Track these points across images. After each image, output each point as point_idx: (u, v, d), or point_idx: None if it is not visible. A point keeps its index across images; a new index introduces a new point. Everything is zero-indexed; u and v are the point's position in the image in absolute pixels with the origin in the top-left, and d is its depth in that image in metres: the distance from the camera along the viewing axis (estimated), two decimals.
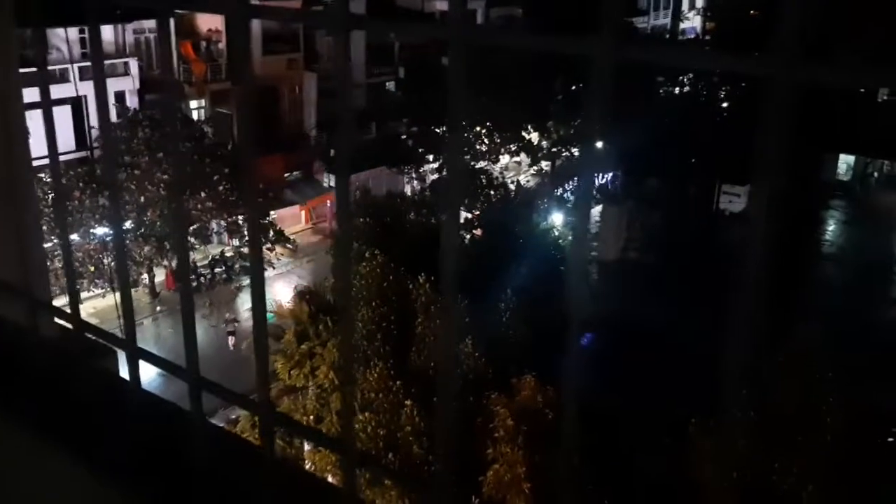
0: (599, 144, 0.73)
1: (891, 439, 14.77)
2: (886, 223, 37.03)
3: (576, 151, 34.65)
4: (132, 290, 1.30)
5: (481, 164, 32.24)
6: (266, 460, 0.96)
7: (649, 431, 14.06)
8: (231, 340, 23.88)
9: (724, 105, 40.03)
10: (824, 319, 21.46)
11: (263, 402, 0.99)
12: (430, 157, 32.66)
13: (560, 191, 34.69)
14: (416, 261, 16.62)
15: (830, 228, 37.98)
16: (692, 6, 55.84)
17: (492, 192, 29.65)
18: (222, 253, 28.42)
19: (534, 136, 34.88)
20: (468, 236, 26.45)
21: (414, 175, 33.08)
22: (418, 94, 31.42)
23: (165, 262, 26.10)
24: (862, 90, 39.16)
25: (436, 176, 31.93)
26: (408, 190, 31.68)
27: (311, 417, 16.41)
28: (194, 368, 1.08)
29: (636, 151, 32.11)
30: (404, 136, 34.51)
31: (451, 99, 0.77)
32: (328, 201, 31.75)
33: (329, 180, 33.20)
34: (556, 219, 31.06)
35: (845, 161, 42.33)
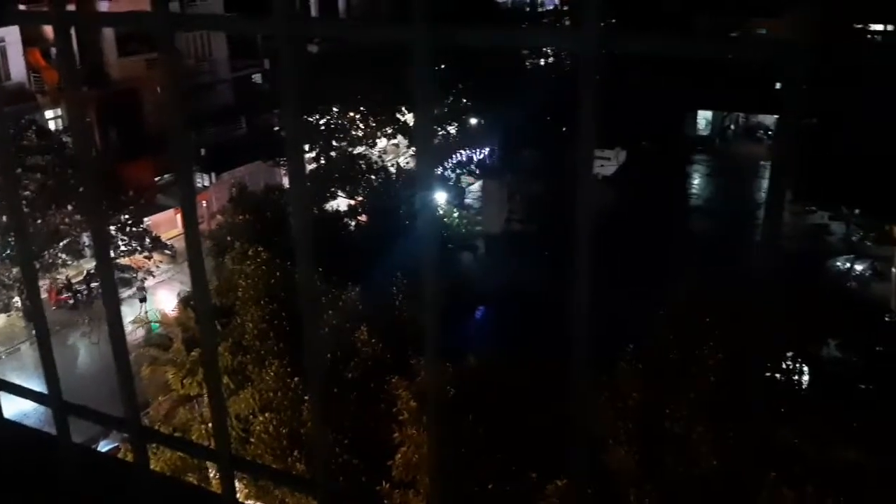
0: (429, 131, 0.75)
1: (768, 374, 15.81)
2: (745, 172, 39.25)
3: (452, 129, 34.94)
4: (4, 314, 1.24)
5: (359, 149, 32.02)
6: (138, 476, 0.94)
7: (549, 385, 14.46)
8: None
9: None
10: (700, 269, 22.60)
11: (131, 419, 0.97)
12: (306, 147, 32.14)
13: (440, 169, 34.91)
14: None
15: (696, 182, 39.95)
16: None
17: (373, 177, 29.52)
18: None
19: (409, 118, 34.90)
20: (353, 223, 26.29)
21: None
22: None
23: (41, 282, 24.73)
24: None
25: (314, 165, 31.50)
26: (286, 182, 31.12)
27: (210, 425, 16.00)
28: (56, 394, 1.04)
29: (510, 125, 32.71)
30: (277, 129, 33.85)
31: (284, 93, 0.77)
32: (203, 202, 30.82)
33: (203, 180, 32.21)
34: (440, 197, 31.28)
35: (704, 117, 44.50)
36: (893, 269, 25.49)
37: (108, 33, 29.61)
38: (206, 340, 0.96)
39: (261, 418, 14.88)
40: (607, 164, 38.54)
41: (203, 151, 31.89)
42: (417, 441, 13.33)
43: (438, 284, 0.77)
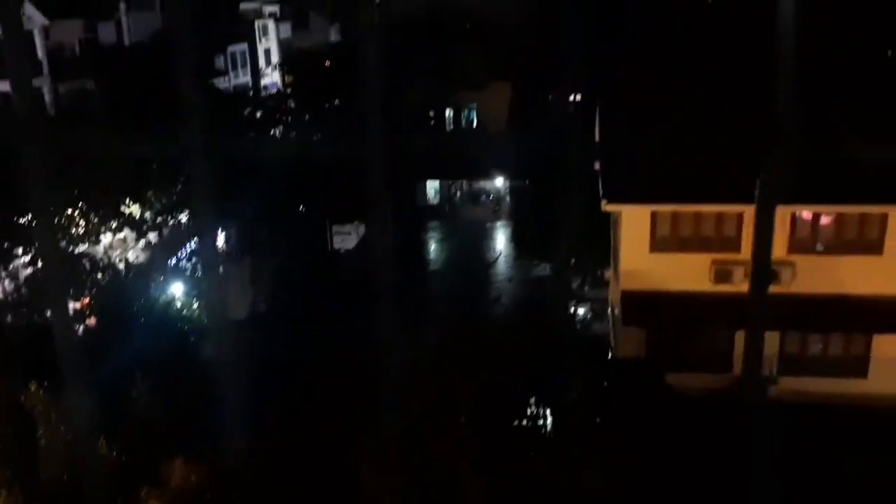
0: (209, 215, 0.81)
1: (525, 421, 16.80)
2: (474, 232, 42.00)
3: (183, 218, 33.74)
4: None
5: (81, 247, 29.80)
6: None
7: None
8: None
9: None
10: (439, 323, 23.66)
11: None
12: (20, 251, 29.33)
13: (174, 260, 33.46)
14: (25, 368, 14.86)
15: (431, 248, 41.96)
16: (269, 62, 57.82)
17: (99, 276, 27.56)
18: None
19: (135, 209, 33.19)
20: (81, 328, 24.25)
21: (3, 273, 29.41)
22: None
23: None
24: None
25: (30, 270, 28.74)
26: None
27: None
28: None
29: (247, 206, 32.29)
30: None
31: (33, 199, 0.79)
32: None
33: None
34: (176, 289, 29.88)
35: (433, 186, 47.11)
36: (609, 311, 28.39)
37: None
38: None
39: None
40: (348, 238, 39.34)
41: None
42: None
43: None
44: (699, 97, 20.38)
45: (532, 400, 16.47)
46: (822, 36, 20.37)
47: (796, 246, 20.75)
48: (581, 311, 30.12)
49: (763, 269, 0.97)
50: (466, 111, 50.89)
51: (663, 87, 21.35)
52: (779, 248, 20.31)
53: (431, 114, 49.33)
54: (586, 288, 31.27)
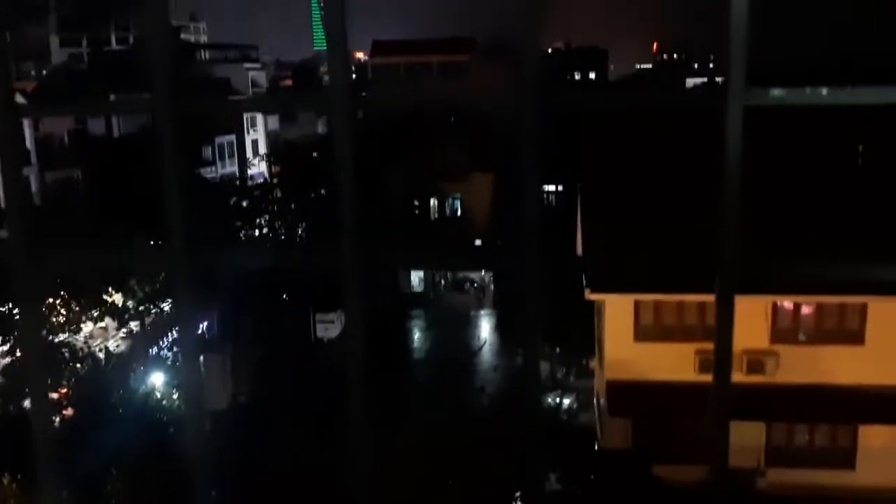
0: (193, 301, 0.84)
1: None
2: (458, 321, 41.92)
3: (166, 307, 33.54)
4: None
5: (61, 336, 29.46)
6: None
7: None
8: None
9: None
10: (425, 414, 23.36)
11: None
12: None
13: (155, 350, 33.08)
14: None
15: (416, 336, 41.76)
16: (256, 153, 58.75)
17: (78, 366, 27.17)
18: None
19: (118, 297, 33.00)
20: (57, 419, 23.73)
21: None
22: None
23: None
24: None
25: (7, 360, 28.29)
26: None
27: None
28: None
29: (229, 295, 32.18)
30: None
31: None
32: None
33: None
34: (157, 379, 29.43)
35: (416, 275, 47.29)
36: (595, 401, 28.18)
37: None
38: None
39: None
40: (331, 326, 39.11)
41: None
42: None
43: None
44: (677, 187, 20.80)
45: (518, 494, 16.14)
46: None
47: (779, 336, 20.85)
48: (567, 401, 29.86)
49: (725, 362, 1.01)
50: (451, 200, 51.60)
51: (642, 177, 21.81)
52: (762, 339, 20.40)
53: (416, 202, 49.97)
54: (572, 377, 31.10)
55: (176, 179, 0.83)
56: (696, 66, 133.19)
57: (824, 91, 0.98)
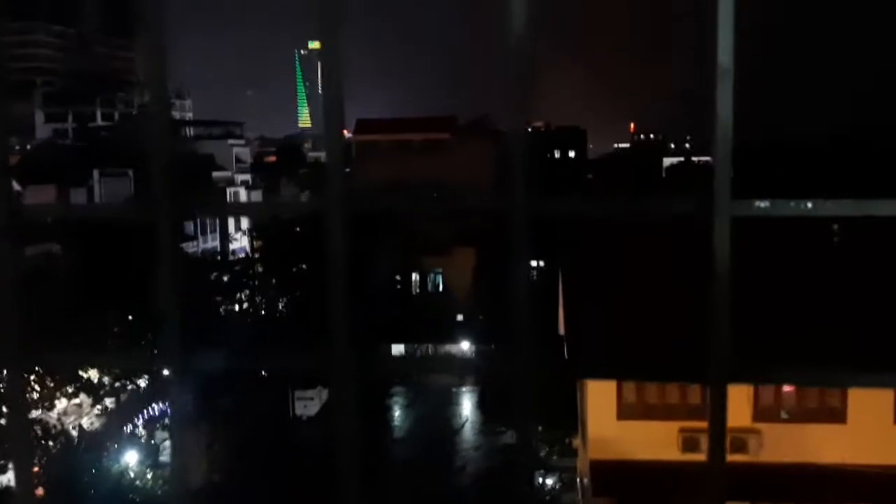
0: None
1: None
2: (440, 398, 41.46)
3: (142, 383, 32.98)
4: None
5: (34, 413, 28.76)
6: None
7: None
8: None
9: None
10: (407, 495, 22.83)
11: None
12: None
13: (130, 427, 32.36)
14: None
15: (396, 414, 41.18)
16: (238, 228, 58.84)
17: (50, 444, 26.47)
18: None
19: (93, 374, 32.43)
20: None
21: None
22: None
23: None
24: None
25: None
26: None
27: None
28: None
29: (204, 373, 31.66)
30: None
31: None
32: None
33: None
34: (130, 458, 28.71)
35: (397, 349, 46.99)
36: (578, 480, 27.73)
37: None
38: None
39: None
40: (310, 403, 38.56)
41: None
42: None
43: None
44: (660, 272, 20.99)
45: None
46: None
47: (761, 414, 20.77)
48: (550, 480, 29.37)
49: (719, 443, 1.03)
50: (433, 275, 51.73)
51: (623, 256, 22.01)
52: (744, 417, 20.30)
53: (398, 278, 50.05)
54: (555, 457, 30.67)
55: (173, 296, 0.85)
56: (672, 145, 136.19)
57: (809, 204, 1.02)
